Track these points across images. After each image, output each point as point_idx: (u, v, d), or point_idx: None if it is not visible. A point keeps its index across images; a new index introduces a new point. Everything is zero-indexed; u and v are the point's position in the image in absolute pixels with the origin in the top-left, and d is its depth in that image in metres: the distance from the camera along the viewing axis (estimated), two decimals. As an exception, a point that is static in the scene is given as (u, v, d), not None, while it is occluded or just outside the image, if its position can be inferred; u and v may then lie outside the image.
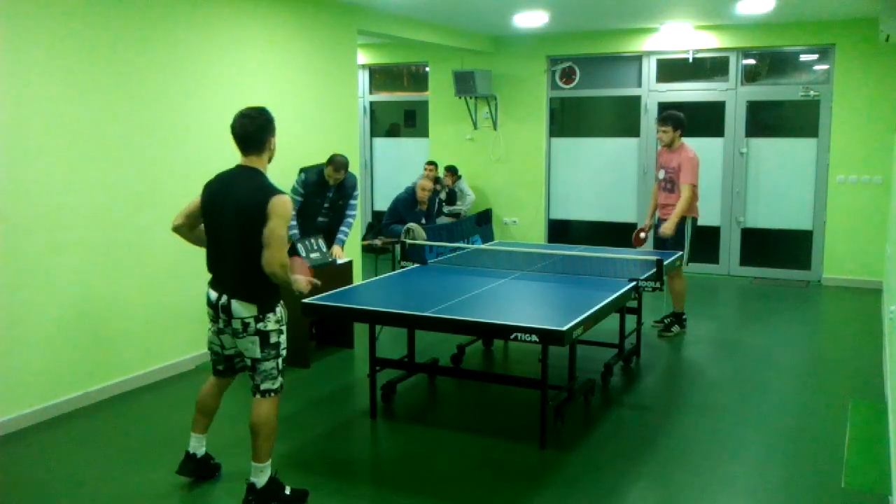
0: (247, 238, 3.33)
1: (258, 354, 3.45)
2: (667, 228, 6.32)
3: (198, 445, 3.81)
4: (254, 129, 3.42)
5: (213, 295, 3.49)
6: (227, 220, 3.40)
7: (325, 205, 6.03)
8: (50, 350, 4.63)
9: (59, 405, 4.68)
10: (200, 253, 3.83)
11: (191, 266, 5.53)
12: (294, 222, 5.83)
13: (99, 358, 4.93)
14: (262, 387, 3.51)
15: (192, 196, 5.42)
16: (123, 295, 5.05)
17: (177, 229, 3.63)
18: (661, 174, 6.49)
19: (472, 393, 5.18)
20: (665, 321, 6.64)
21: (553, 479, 3.86)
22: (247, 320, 3.39)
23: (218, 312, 3.47)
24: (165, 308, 5.31)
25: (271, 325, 3.44)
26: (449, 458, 4.14)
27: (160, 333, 5.33)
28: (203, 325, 5.64)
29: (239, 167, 3.48)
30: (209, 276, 3.59)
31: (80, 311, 4.78)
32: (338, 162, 5.87)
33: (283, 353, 3.54)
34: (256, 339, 3.42)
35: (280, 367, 3.53)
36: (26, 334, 4.51)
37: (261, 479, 3.48)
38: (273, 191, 3.34)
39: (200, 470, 3.82)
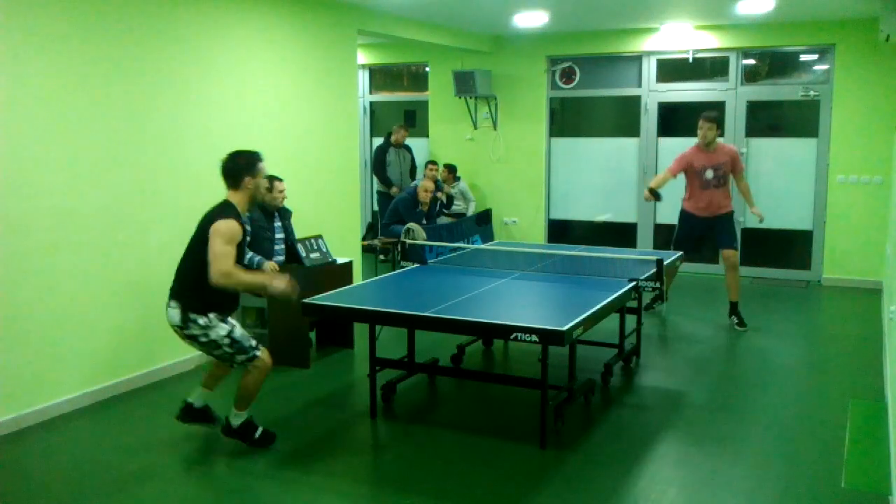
0: (191, 255, 3.95)
1: (202, 349, 4.07)
2: (759, 211, 6.77)
3: (198, 398, 4.28)
4: (230, 167, 3.98)
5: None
6: (190, 240, 3.98)
7: (278, 235, 5.84)
8: (49, 350, 4.63)
9: (58, 405, 4.68)
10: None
11: (191, 266, 5.53)
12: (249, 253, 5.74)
13: (99, 358, 4.93)
14: (233, 363, 4.08)
15: (190, 195, 5.47)
16: (123, 294, 5.05)
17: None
18: (710, 174, 6.57)
19: (472, 393, 5.18)
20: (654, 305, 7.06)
21: (553, 479, 3.86)
22: (175, 327, 3.97)
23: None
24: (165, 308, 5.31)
25: (196, 331, 3.92)
26: (449, 458, 4.14)
27: (160, 333, 5.31)
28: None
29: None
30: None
31: (79, 310, 4.78)
32: (280, 179, 5.85)
33: (225, 340, 3.94)
34: (191, 342, 4.00)
35: (231, 351, 3.96)
36: (26, 334, 4.51)
37: (236, 420, 4.11)
38: (222, 216, 3.87)
39: (198, 417, 4.29)
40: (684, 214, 6.82)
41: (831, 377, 5.53)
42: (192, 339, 3.96)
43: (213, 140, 5.67)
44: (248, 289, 4.11)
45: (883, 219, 8.01)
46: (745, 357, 5.94)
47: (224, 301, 3.97)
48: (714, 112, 6.77)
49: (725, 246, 6.64)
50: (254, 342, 4.04)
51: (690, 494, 3.72)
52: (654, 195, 6.69)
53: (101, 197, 4.87)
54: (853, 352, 6.10)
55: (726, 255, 6.67)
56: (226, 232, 3.81)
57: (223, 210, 3.91)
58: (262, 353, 4.05)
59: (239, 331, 4.01)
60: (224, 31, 5.74)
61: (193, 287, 3.89)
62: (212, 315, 3.92)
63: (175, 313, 3.92)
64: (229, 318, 4.01)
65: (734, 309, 6.73)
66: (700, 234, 6.76)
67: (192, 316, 3.88)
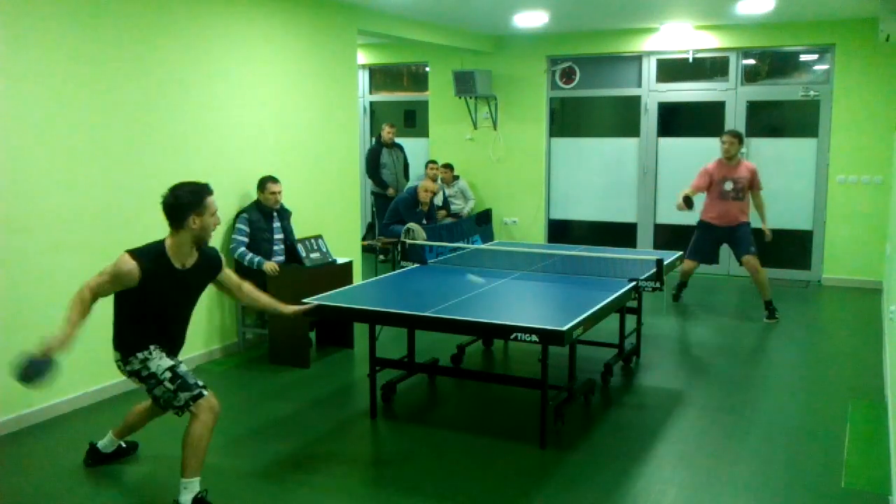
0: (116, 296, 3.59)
1: (144, 386, 3.55)
2: (769, 232, 7.12)
3: (108, 445, 4.00)
4: (172, 204, 3.47)
5: None
6: None
7: (278, 235, 5.92)
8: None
9: (58, 405, 4.69)
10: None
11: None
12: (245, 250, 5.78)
13: (99, 358, 4.91)
14: (174, 404, 3.49)
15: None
16: (123, 295, 5.05)
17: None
18: (729, 185, 7.02)
19: (472, 393, 5.18)
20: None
21: (553, 479, 3.86)
22: (117, 364, 3.58)
23: None
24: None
25: (136, 365, 3.50)
26: (449, 458, 4.14)
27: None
28: (203, 326, 5.68)
29: None
30: None
31: (80, 311, 4.78)
32: (275, 179, 5.90)
33: (167, 374, 3.47)
34: (133, 377, 3.56)
35: (172, 387, 3.45)
36: (26, 334, 4.50)
37: (184, 497, 3.40)
38: (130, 250, 3.50)
39: (106, 459, 3.99)
40: (702, 224, 7.21)
41: (831, 377, 5.53)
42: (134, 376, 3.53)
43: (212, 140, 5.67)
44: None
45: (883, 219, 8.01)
46: (746, 357, 5.94)
47: (158, 336, 3.57)
48: (734, 129, 7.37)
49: (744, 253, 6.99)
50: (200, 382, 3.52)
51: (690, 494, 3.72)
52: (688, 203, 6.99)
53: (102, 197, 4.87)
54: (853, 352, 6.10)
55: (745, 260, 7.03)
56: (108, 271, 3.46)
57: (141, 248, 3.52)
58: (209, 394, 3.48)
59: (185, 367, 3.55)
60: (224, 32, 5.74)
61: (120, 330, 3.56)
62: (152, 347, 3.52)
63: (114, 353, 3.59)
64: (175, 357, 3.59)
65: (768, 305, 7.03)
66: (717, 242, 7.21)
67: (130, 357, 3.51)
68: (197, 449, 3.40)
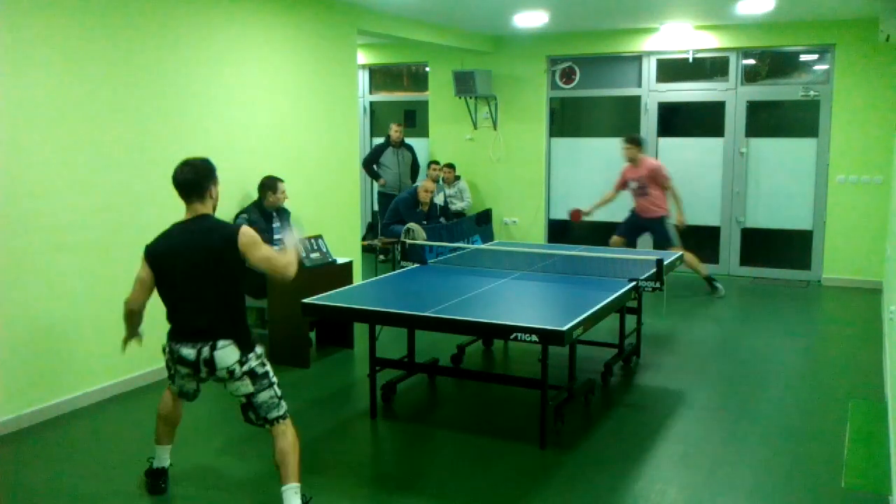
0: (220, 281, 3.38)
1: (251, 389, 3.37)
2: (681, 222, 7.84)
3: (164, 457, 3.77)
4: (194, 177, 3.37)
5: (190, 353, 3.38)
6: (194, 270, 3.37)
7: (277, 236, 5.88)
8: (50, 350, 4.63)
9: (58, 405, 4.69)
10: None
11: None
12: None
13: (99, 358, 4.92)
14: (270, 416, 3.40)
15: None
16: (124, 295, 5.04)
17: (137, 307, 3.67)
18: (634, 185, 7.82)
19: (472, 393, 5.18)
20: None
21: (553, 479, 3.86)
22: (231, 368, 3.32)
23: (199, 367, 3.38)
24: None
25: (254, 362, 3.37)
26: (449, 458, 4.15)
27: (160, 333, 5.30)
28: (203, 325, 5.67)
29: (184, 220, 3.42)
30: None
31: (80, 310, 4.78)
32: (281, 179, 5.89)
33: (276, 378, 3.46)
34: (245, 378, 3.36)
35: (280, 393, 3.45)
36: (26, 334, 4.51)
37: (297, 501, 3.35)
38: (231, 226, 3.40)
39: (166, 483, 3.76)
40: (631, 210, 8.03)
41: (831, 377, 5.53)
42: (247, 377, 3.35)
43: (212, 140, 5.67)
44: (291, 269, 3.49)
45: (883, 219, 8.01)
46: (745, 357, 5.94)
47: None
48: (631, 135, 7.94)
49: (667, 248, 7.52)
50: None
51: (690, 494, 3.72)
52: (576, 216, 8.07)
53: (102, 197, 4.88)
54: (853, 352, 6.10)
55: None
56: (257, 238, 3.35)
57: (217, 222, 3.41)
58: None
59: None
60: (223, 32, 5.74)
61: (241, 318, 3.43)
62: (259, 348, 3.46)
63: (228, 352, 3.32)
64: None
65: (708, 281, 7.96)
66: (639, 229, 7.97)
67: (250, 354, 3.38)
68: (297, 455, 3.40)
